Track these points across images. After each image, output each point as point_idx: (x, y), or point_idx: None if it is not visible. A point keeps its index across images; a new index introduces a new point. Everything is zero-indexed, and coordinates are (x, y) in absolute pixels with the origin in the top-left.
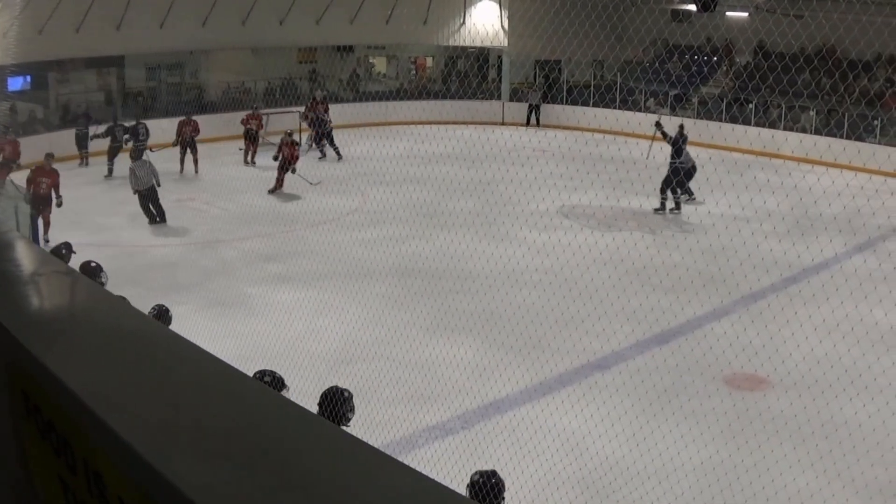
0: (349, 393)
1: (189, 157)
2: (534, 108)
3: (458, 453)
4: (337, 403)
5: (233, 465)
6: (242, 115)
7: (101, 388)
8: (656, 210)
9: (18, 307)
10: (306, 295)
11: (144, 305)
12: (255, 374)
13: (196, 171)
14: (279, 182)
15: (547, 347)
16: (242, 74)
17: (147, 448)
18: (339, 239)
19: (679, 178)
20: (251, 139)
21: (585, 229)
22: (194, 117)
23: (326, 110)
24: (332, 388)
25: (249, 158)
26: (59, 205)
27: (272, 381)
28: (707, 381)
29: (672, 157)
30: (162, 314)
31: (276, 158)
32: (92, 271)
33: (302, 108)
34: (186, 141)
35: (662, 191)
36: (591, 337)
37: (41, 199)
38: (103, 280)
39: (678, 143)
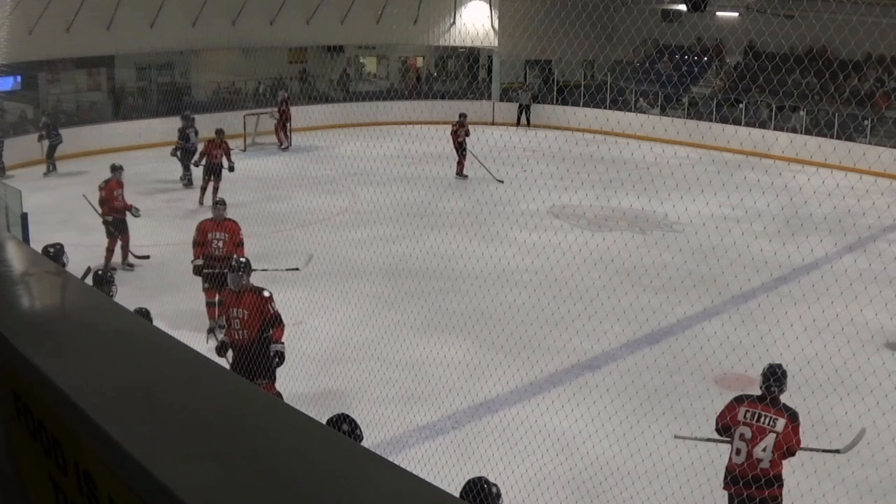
0: (497, 489)
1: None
2: (524, 108)
3: (448, 453)
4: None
5: (222, 464)
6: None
7: (92, 389)
8: None
9: (9, 308)
10: (296, 295)
11: (132, 306)
12: (329, 420)
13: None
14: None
15: (537, 347)
16: (233, 75)
17: (137, 448)
18: (329, 239)
19: None
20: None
21: (576, 229)
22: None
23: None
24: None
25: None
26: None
27: (350, 431)
28: (697, 380)
29: None
30: (143, 316)
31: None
32: (104, 281)
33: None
34: (214, 167)
35: None
36: (582, 337)
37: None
38: (113, 293)
39: None
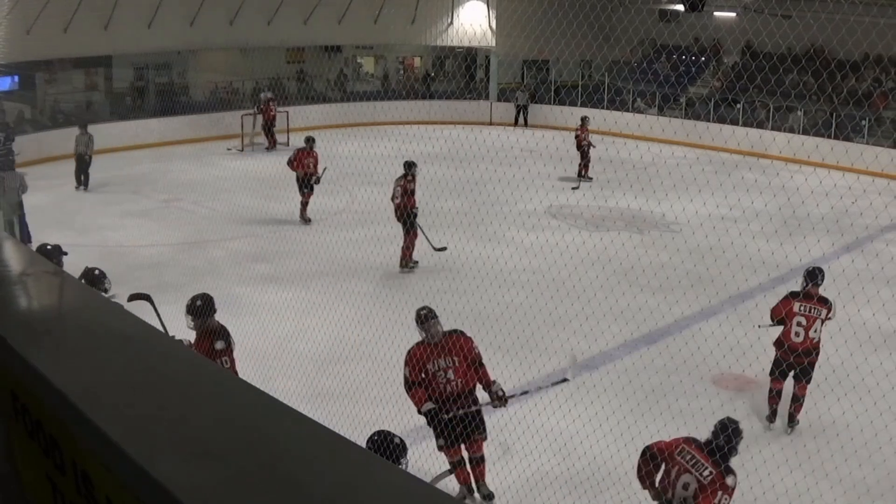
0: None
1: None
2: (521, 109)
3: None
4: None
5: (220, 464)
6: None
7: (89, 389)
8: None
9: (6, 308)
10: (294, 295)
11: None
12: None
13: (303, 218)
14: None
15: (535, 347)
16: (230, 74)
17: (134, 448)
18: (326, 239)
19: None
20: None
21: (573, 229)
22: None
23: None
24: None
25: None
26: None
27: (394, 448)
28: (695, 381)
29: None
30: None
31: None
32: (95, 279)
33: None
34: (305, 177)
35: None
36: (579, 337)
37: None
38: (107, 287)
39: None
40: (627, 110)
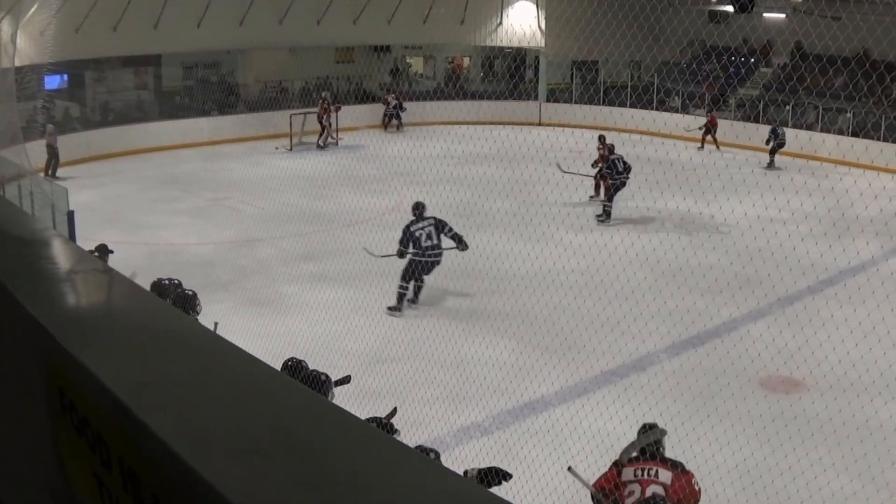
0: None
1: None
2: None
3: (492, 454)
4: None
5: (269, 464)
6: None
7: (137, 386)
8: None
9: (55, 305)
10: (343, 294)
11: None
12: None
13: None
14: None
15: (583, 348)
16: (279, 74)
17: (183, 446)
18: (375, 239)
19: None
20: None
21: (622, 230)
22: None
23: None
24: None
25: (321, 141)
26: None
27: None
28: (743, 383)
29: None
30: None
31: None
32: (187, 300)
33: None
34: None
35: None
36: (627, 338)
37: None
38: (198, 311)
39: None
40: (676, 111)
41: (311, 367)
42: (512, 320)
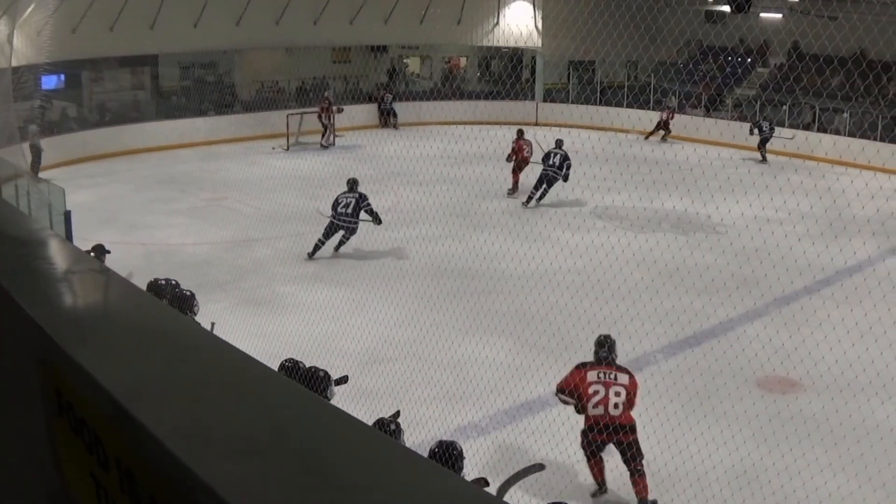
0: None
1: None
2: None
3: (489, 454)
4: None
5: (265, 463)
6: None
7: (134, 386)
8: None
9: (52, 305)
10: (339, 294)
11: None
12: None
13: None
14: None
15: (580, 348)
16: (276, 74)
17: (180, 447)
18: (372, 238)
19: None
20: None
21: (619, 230)
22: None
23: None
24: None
25: (325, 141)
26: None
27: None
28: (740, 383)
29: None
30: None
31: (508, 159)
32: (184, 300)
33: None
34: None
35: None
36: (624, 338)
37: None
38: (195, 310)
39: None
40: (674, 111)
41: (309, 365)
42: (509, 320)
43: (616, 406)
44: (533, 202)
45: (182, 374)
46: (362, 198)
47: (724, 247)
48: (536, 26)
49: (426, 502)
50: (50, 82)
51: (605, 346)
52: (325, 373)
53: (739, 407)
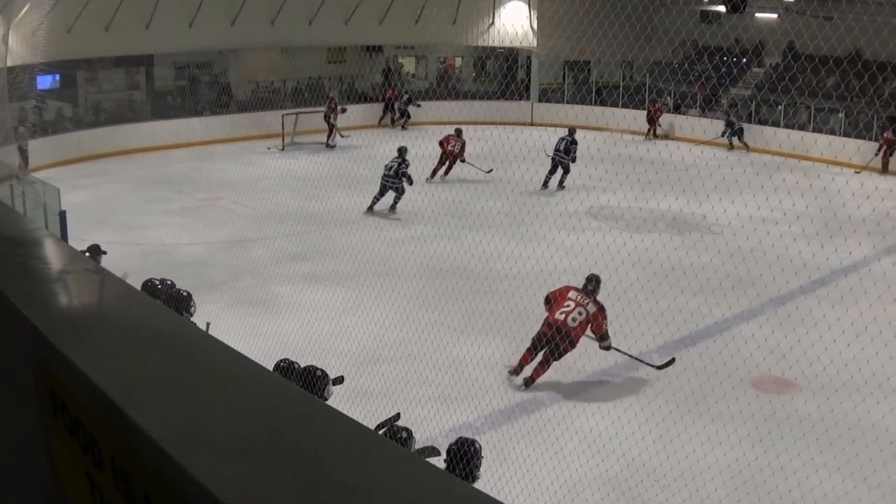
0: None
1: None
2: None
3: (484, 453)
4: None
5: (259, 462)
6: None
7: (129, 386)
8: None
9: (47, 305)
10: (334, 294)
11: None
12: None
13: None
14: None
15: (575, 349)
16: (271, 74)
17: (175, 447)
18: (367, 238)
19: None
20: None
21: (614, 230)
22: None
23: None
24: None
25: (331, 141)
26: None
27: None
28: (735, 383)
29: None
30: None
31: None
32: (181, 300)
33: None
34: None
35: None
36: (620, 338)
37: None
38: (192, 311)
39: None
40: (669, 111)
41: (306, 365)
42: (504, 320)
43: (574, 320)
44: (551, 187)
45: (177, 375)
46: (403, 163)
47: (720, 247)
48: (532, 26)
49: (421, 502)
50: (45, 82)
51: (591, 282)
52: (323, 372)
53: (735, 407)
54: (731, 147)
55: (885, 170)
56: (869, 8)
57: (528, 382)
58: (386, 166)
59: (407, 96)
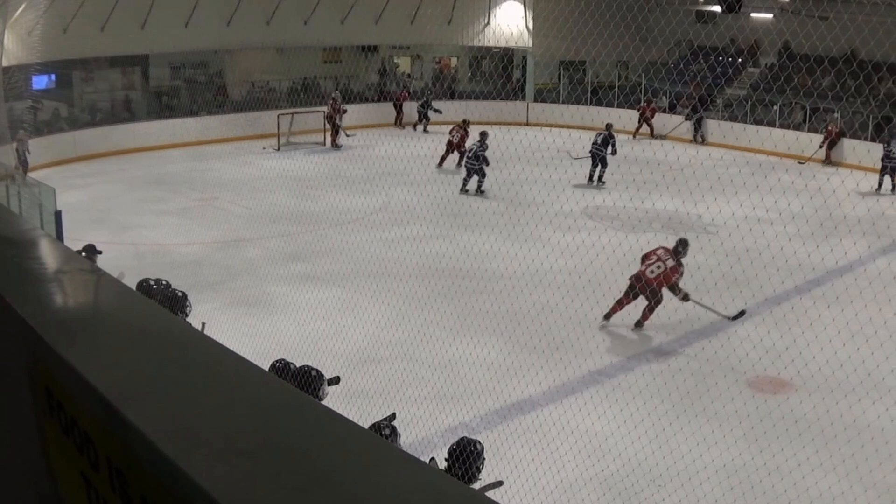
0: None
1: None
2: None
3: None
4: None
5: (256, 462)
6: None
7: (125, 386)
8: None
9: (42, 305)
10: (330, 294)
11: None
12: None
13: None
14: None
15: (570, 348)
16: (267, 74)
17: (171, 447)
18: (362, 238)
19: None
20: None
21: (609, 230)
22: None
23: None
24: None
25: (337, 141)
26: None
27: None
28: (730, 383)
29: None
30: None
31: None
32: (176, 300)
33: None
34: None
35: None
36: (615, 338)
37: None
38: (188, 312)
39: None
40: (664, 111)
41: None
42: (499, 320)
43: (652, 272)
44: (595, 182)
45: (173, 375)
46: (482, 146)
47: (715, 246)
48: (527, 26)
49: (416, 501)
50: (41, 82)
51: (681, 244)
52: (318, 372)
53: (730, 407)
54: (700, 140)
55: (827, 160)
56: (864, 8)
57: (639, 324)
58: (469, 149)
59: (424, 99)
